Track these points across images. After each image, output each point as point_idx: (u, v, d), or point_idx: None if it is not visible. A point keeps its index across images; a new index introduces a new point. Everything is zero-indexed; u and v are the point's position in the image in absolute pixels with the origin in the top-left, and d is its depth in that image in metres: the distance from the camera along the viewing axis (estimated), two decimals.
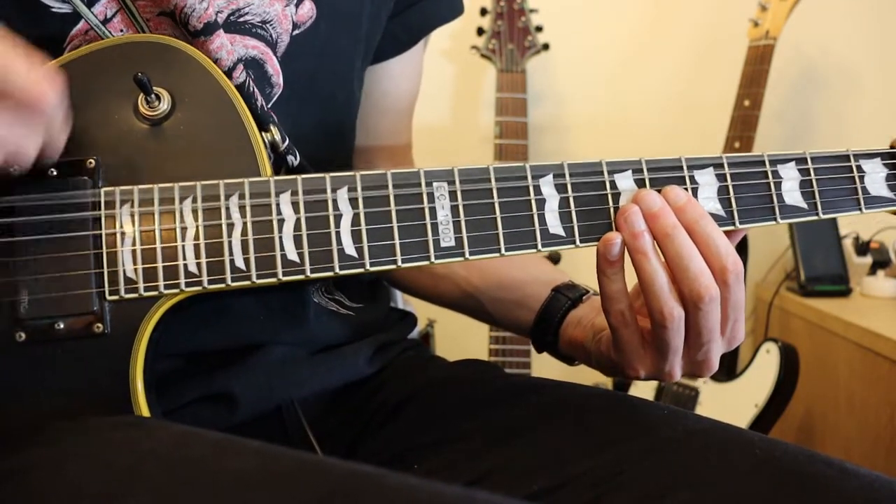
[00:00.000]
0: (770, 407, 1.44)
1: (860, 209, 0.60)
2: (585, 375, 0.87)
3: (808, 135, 1.92)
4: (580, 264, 1.87)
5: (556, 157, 1.90)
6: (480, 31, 1.68)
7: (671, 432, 0.54)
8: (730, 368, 1.57)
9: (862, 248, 1.68)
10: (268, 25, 0.64)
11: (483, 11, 1.70)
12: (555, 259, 1.55)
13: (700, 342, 0.56)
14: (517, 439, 0.58)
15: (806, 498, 0.47)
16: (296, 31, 0.66)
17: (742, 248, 1.60)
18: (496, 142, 1.62)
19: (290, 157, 0.64)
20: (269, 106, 0.65)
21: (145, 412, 0.52)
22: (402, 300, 1.05)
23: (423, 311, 0.83)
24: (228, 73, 0.60)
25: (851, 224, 1.73)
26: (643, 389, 1.63)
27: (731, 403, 1.49)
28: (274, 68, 0.65)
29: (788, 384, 1.46)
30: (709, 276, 0.54)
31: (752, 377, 1.49)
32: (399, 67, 0.82)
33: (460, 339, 1.53)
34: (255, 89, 0.62)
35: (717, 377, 1.55)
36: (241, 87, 0.61)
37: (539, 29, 1.68)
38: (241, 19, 0.62)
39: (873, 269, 1.68)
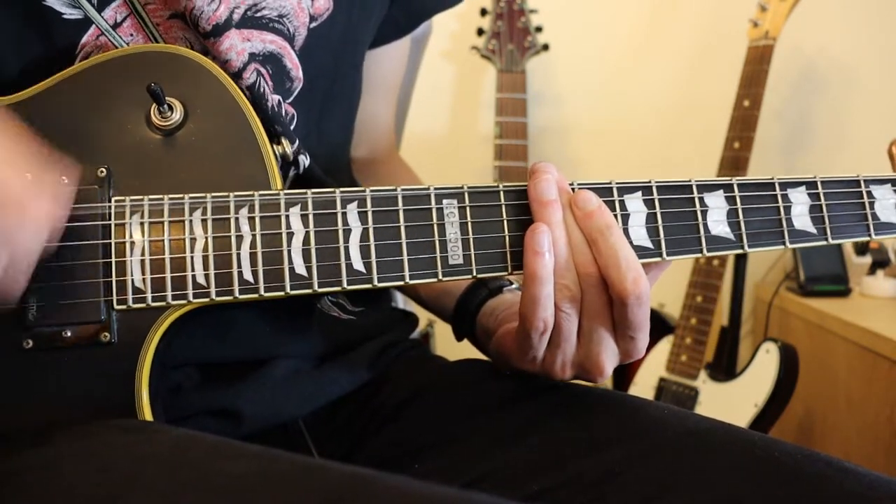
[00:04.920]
0: (770, 407, 1.44)
1: (870, 235, 0.59)
2: None
3: (807, 135, 1.93)
4: None
5: (556, 157, 1.91)
6: (480, 32, 1.68)
7: (671, 432, 0.54)
8: (729, 368, 1.58)
9: (861, 248, 1.68)
10: (284, 19, 0.64)
11: (483, 12, 1.70)
12: None
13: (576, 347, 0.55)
14: (517, 439, 0.57)
15: (806, 497, 0.47)
16: (313, 24, 0.66)
17: None
18: (496, 142, 1.62)
19: (301, 158, 0.64)
20: (289, 101, 0.65)
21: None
22: (402, 300, 1.05)
23: (424, 310, 0.83)
24: (238, 73, 0.60)
25: None
26: (643, 389, 1.64)
27: (731, 403, 1.49)
28: (292, 62, 0.65)
29: (788, 384, 1.46)
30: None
31: (751, 377, 1.49)
32: (387, 53, 0.82)
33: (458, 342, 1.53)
34: (267, 90, 0.62)
35: (716, 377, 1.55)
36: (252, 88, 0.61)
37: (539, 29, 1.68)
38: (258, 14, 0.62)
39: (873, 269, 1.69)
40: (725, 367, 1.58)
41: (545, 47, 1.68)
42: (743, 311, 1.63)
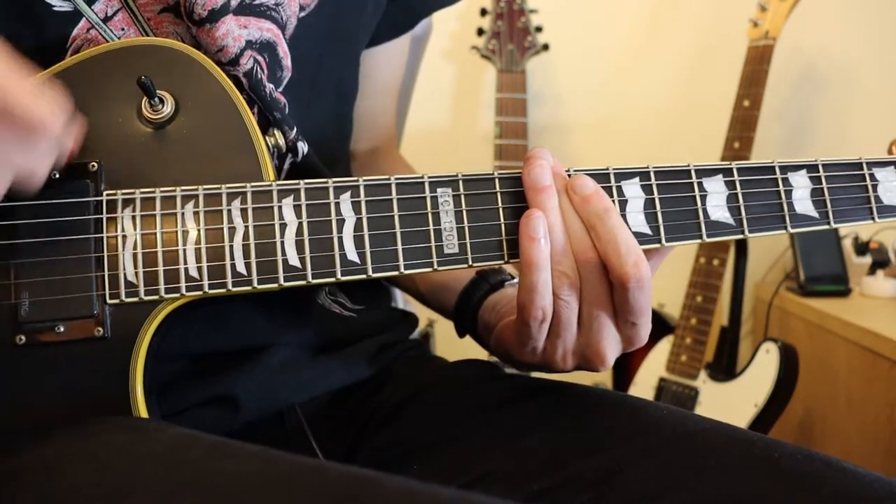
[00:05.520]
0: (770, 407, 1.44)
1: (873, 218, 0.58)
2: (585, 375, 0.87)
3: (807, 135, 1.93)
4: None
5: (556, 157, 1.91)
6: (480, 32, 1.68)
7: (670, 432, 0.54)
8: (729, 368, 1.58)
9: (861, 248, 1.69)
10: (280, 7, 0.63)
11: (483, 12, 1.70)
12: None
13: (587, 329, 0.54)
14: (517, 439, 0.57)
15: (805, 498, 0.47)
16: (302, 13, 0.66)
17: (742, 248, 1.61)
18: (496, 142, 1.62)
19: (300, 145, 0.64)
20: (279, 90, 0.65)
21: (144, 416, 0.52)
22: (402, 300, 1.05)
23: (424, 311, 0.83)
24: (235, 60, 0.60)
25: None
26: (643, 389, 1.63)
27: (731, 403, 1.49)
28: (283, 51, 0.64)
29: (788, 384, 1.46)
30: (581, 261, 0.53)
31: (751, 377, 1.49)
32: (387, 50, 0.81)
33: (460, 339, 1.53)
34: (264, 76, 0.62)
35: (716, 377, 1.55)
36: (249, 74, 0.61)
37: (539, 29, 1.68)
38: (256, 1, 0.62)
39: (873, 269, 1.69)
40: (725, 367, 1.58)
41: (545, 47, 1.68)
42: (743, 311, 1.63)
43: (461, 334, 0.72)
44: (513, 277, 0.69)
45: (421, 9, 0.81)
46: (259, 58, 0.62)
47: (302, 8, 0.66)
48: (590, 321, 0.54)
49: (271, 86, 0.63)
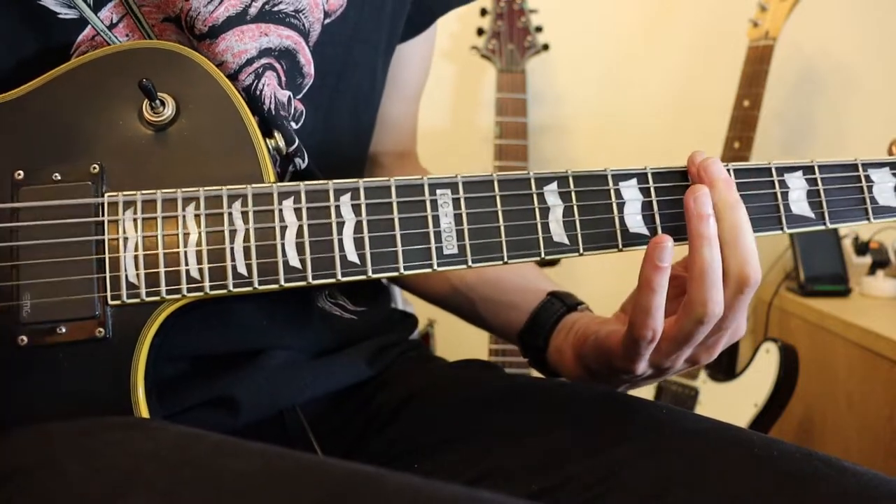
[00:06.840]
0: (769, 407, 1.45)
1: (868, 219, 0.59)
2: None
3: (807, 135, 1.92)
4: (577, 270, 1.86)
5: (556, 157, 1.91)
6: (480, 32, 1.68)
7: (670, 432, 0.55)
8: (729, 368, 1.58)
9: (861, 248, 1.68)
10: (300, 14, 0.63)
11: (483, 12, 1.70)
12: (553, 261, 1.55)
13: (721, 331, 0.55)
14: (517, 439, 0.58)
15: (804, 497, 0.47)
16: (327, 20, 0.66)
17: None
18: (496, 142, 1.62)
19: (297, 160, 0.64)
20: (299, 97, 0.65)
21: (146, 417, 0.52)
22: (402, 301, 1.05)
23: (424, 311, 0.83)
24: (234, 75, 0.60)
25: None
26: (643, 389, 1.63)
27: (731, 403, 1.50)
28: (306, 58, 0.64)
29: (788, 384, 1.46)
30: (756, 259, 0.53)
31: (751, 377, 1.49)
32: (407, 53, 0.81)
33: (460, 339, 1.53)
34: (266, 90, 0.62)
35: (716, 377, 1.55)
36: (249, 89, 0.61)
37: (539, 29, 1.68)
38: (276, 8, 0.62)
39: (873, 269, 1.69)
40: (725, 367, 1.58)
41: (545, 47, 1.68)
42: None
43: (526, 355, 0.72)
44: (583, 303, 0.70)
45: (436, 7, 0.80)
46: (277, 65, 0.62)
47: (327, 14, 0.66)
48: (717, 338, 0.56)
49: (289, 93, 0.63)
